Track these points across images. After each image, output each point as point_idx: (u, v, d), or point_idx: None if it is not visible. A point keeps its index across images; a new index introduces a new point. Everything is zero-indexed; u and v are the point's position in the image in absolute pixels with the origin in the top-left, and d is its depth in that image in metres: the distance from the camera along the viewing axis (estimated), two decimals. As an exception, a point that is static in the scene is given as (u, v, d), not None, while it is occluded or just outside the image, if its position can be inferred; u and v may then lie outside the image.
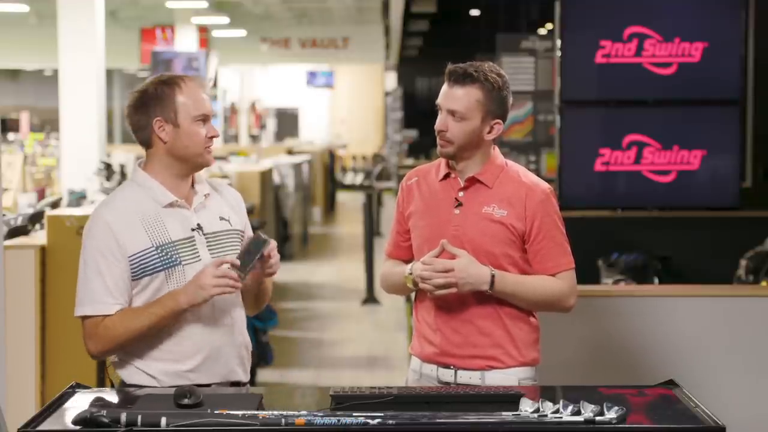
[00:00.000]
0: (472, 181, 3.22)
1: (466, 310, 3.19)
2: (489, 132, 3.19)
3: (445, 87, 3.21)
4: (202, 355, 2.98)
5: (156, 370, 2.97)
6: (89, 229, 3.00)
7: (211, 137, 3.04)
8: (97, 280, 2.94)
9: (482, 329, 3.18)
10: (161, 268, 2.96)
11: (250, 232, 3.18)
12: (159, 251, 2.96)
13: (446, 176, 3.25)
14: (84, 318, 2.97)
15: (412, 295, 3.35)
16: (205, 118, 3.02)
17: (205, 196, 3.08)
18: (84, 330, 2.98)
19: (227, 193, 3.18)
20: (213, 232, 3.05)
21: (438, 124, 3.20)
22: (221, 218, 3.09)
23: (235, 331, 3.06)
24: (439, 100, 3.22)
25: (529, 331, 3.23)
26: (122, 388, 2.97)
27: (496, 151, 3.26)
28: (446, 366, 3.21)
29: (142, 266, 2.95)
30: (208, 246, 3.03)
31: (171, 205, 3.02)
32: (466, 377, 3.19)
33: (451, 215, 3.21)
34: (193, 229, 3.02)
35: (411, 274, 3.19)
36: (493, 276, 3.12)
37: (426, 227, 3.24)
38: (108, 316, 2.94)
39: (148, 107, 3.00)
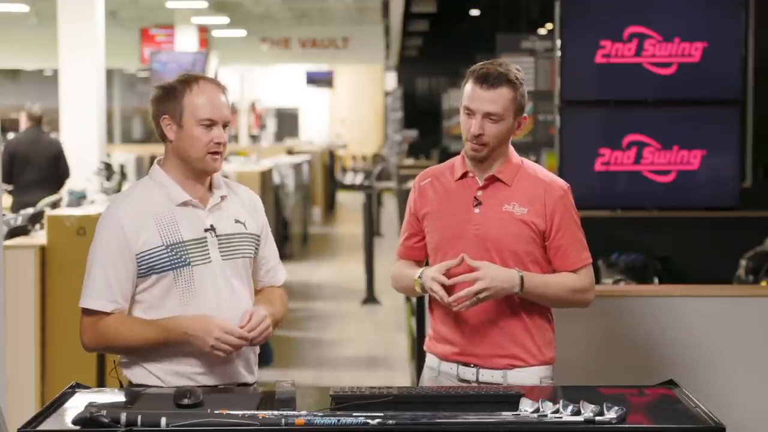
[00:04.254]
0: (491, 180, 3.20)
1: (488, 309, 3.15)
2: (517, 128, 3.19)
3: (474, 89, 3.12)
4: (206, 357, 2.96)
5: (161, 371, 2.97)
6: (101, 223, 3.01)
7: (217, 143, 2.99)
8: (100, 275, 2.96)
9: (504, 328, 3.16)
10: (169, 267, 2.96)
11: (267, 236, 3.19)
12: (169, 250, 2.96)
13: (463, 176, 3.22)
14: (84, 310, 2.99)
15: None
16: (211, 123, 2.99)
17: (221, 198, 3.07)
18: (81, 322, 3.00)
19: (245, 197, 3.15)
20: (226, 234, 3.04)
21: (474, 129, 3.12)
22: (236, 221, 3.08)
23: None
24: (471, 104, 3.13)
25: (548, 329, 3.23)
26: (121, 388, 2.98)
27: (512, 149, 3.25)
28: (467, 364, 3.18)
29: (150, 264, 2.95)
30: (219, 248, 3.02)
31: (185, 204, 3.02)
32: (488, 376, 3.16)
33: (471, 214, 3.17)
34: (206, 230, 3.01)
35: (420, 278, 3.15)
36: (521, 277, 3.10)
37: (444, 227, 3.20)
38: (107, 315, 2.95)
39: (160, 103, 3.03)
